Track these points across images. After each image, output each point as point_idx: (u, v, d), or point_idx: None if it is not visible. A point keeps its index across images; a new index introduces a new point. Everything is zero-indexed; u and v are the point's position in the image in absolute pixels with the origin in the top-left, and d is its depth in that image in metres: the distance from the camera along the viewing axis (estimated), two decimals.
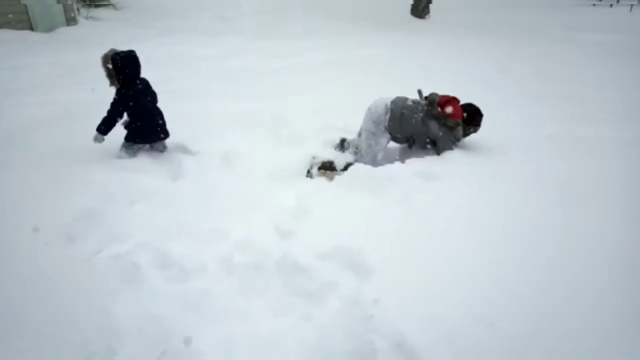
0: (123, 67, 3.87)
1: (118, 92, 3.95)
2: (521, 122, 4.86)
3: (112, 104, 3.96)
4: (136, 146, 4.19)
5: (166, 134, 4.25)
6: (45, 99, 5.91)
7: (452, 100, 3.98)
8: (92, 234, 3.02)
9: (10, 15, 10.78)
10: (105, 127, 3.97)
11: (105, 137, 4.01)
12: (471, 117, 4.04)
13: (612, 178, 3.47)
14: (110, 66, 3.90)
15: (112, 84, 4.03)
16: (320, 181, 3.73)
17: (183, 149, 4.34)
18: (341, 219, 3.14)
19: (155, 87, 4.22)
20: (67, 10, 11.91)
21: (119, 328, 2.24)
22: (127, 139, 4.14)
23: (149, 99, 4.10)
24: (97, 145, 4.05)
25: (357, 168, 3.74)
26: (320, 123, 4.92)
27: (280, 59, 9.37)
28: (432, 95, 4.05)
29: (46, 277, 2.56)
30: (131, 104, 3.96)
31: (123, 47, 4.10)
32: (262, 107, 5.54)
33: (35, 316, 2.28)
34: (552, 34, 12.90)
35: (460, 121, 3.97)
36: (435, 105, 3.97)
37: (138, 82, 4.01)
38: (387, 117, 4.05)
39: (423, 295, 2.34)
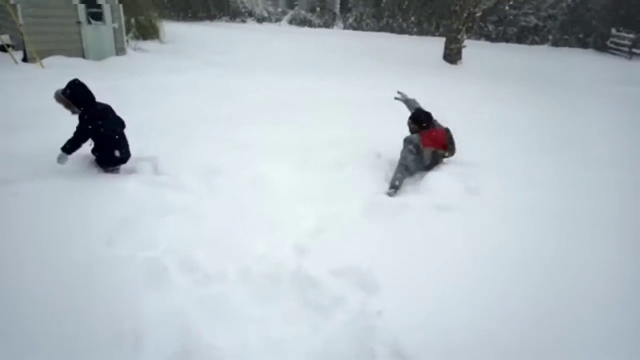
0: (74, 94, 4.25)
1: (80, 117, 4.30)
2: (533, 163, 5.04)
3: (77, 127, 4.29)
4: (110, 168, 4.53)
5: (124, 161, 4.55)
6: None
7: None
8: (127, 240, 3.31)
9: (66, 43, 11.68)
10: (70, 148, 4.27)
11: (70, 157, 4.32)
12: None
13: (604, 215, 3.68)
14: (64, 98, 4.25)
15: (73, 112, 4.36)
16: (338, 206, 3.96)
17: (215, 170, 4.65)
18: (354, 240, 3.36)
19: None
20: (117, 41, 12.80)
21: (146, 319, 2.50)
22: (101, 164, 4.50)
23: (108, 122, 4.39)
24: (131, 161, 4.56)
25: (376, 198, 4.01)
26: (343, 154, 5.20)
27: (311, 94, 9.79)
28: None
29: (85, 273, 2.85)
30: (90, 127, 4.27)
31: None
32: (290, 137, 5.89)
33: (74, 303, 2.57)
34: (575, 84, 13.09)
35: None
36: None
37: (97, 106, 4.36)
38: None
39: (424, 311, 2.53)
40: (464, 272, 2.91)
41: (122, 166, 4.61)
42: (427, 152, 4.61)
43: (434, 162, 4.72)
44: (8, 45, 11.42)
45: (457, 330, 2.40)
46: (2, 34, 11.85)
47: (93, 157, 4.55)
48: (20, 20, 10.88)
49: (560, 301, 2.63)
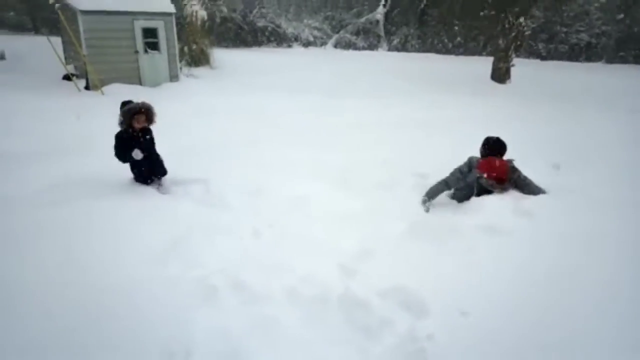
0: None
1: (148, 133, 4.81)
2: (592, 185, 4.78)
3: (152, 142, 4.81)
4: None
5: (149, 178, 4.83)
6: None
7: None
8: (177, 259, 3.44)
9: (124, 71, 12.41)
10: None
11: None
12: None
13: None
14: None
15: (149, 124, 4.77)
16: (383, 227, 3.95)
17: (260, 191, 4.75)
18: (400, 262, 3.32)
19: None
20: (171, 68, 13.46)
21: (196, 336, 2.57)
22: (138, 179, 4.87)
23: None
24: (181, 182, 4.92)
25: (421, 219, 3.96)
26: (388, 175, 5.22)
27: (354, 115, 9.87)
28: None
29: (140, 291, 2.97)
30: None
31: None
32: (334, 157, 5.99)
33: (125, 320, 2.67)
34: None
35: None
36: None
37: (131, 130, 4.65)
38: None
39: (475, 335, 2.45)
40: (513, 297, 2.81)
41: (174, 188, 4.81)
42: (473, 175, 4.46)
43: (485, 191, 4.44)
44: (72, 75, 12.24)
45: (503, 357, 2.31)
46: (67, 64, 12.74)
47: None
48: (84, 51, 11.66)
49: (612, 330, 2.48)
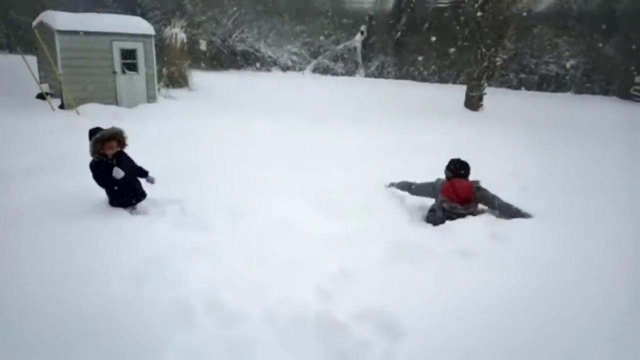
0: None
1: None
2: (563, 210, 4.93)
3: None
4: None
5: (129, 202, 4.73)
6: None
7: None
8: (154, 280, 3.38)
9: (101, 91, 12.29)
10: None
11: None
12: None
13: None
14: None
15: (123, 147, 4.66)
16: (362, 250, 3.96)
17: (240, 212, 4.73)
18: (378, 284, 3.34)
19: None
20: (149, 89, 13.40)
21: (171, 357, 2.51)
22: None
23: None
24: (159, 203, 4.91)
25: (399, 242, 4.01)
26: (366, 198, 5.29)
27: (331, 139, 9.99)
28: None
29: (112, 312, 2.91)
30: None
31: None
32: (313, 180, 6.04)
33: (99, 342, 2.62)
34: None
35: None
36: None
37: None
38: None
39: (450, 358, 2.47)
40: (489, 319, 2.86)
41: (152, 209, 4.76)
42: (439, 199, 4.63)
43: (455, 214, 4.56)
44: (47, 94, 12.07)
45: None
46: (42, 83, 12.56)
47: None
48: (60, 70, 11.54)
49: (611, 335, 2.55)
